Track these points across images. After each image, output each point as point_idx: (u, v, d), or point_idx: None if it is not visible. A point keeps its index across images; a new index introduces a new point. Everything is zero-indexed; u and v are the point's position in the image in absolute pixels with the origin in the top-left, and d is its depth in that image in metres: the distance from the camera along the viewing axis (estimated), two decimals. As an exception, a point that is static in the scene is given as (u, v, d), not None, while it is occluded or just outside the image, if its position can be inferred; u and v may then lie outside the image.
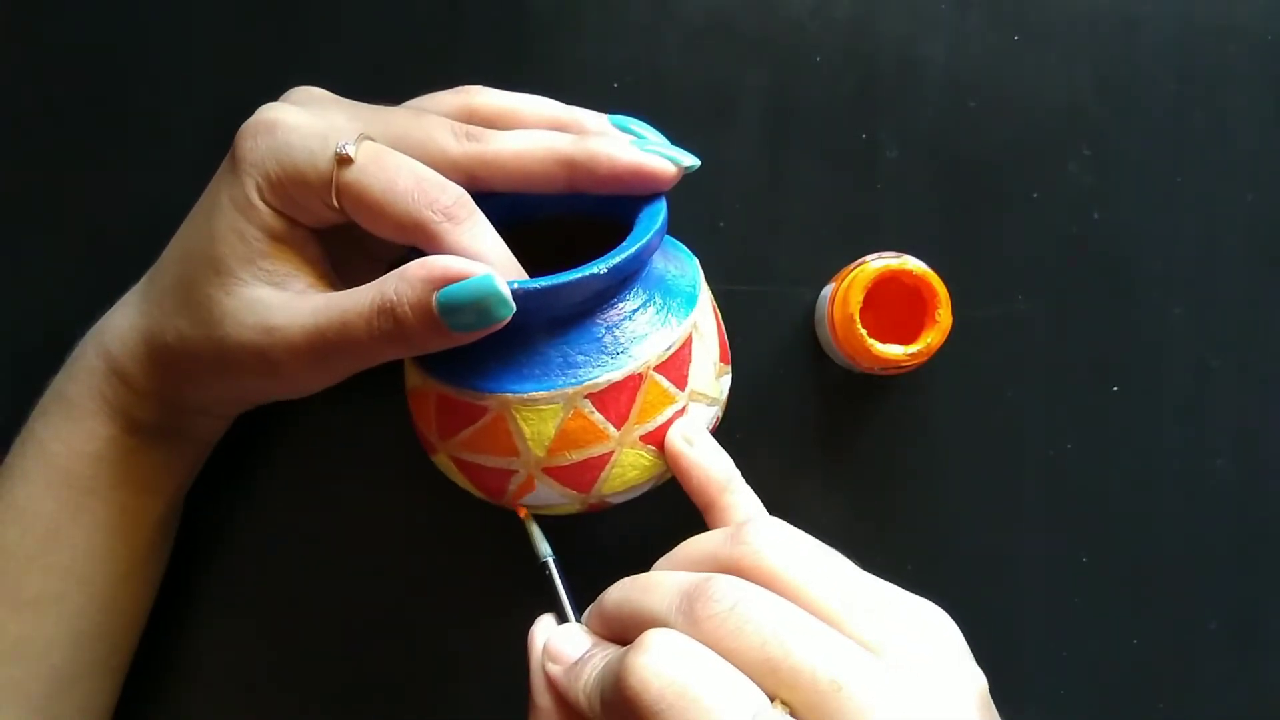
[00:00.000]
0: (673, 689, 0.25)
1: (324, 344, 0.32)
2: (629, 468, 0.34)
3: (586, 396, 0.33)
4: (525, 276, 0.33)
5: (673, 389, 0.34)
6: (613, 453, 0.34)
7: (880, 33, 0.43)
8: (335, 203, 0.32)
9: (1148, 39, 0.43)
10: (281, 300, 0.33)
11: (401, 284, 0.31)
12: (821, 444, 0.42)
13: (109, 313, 0.37)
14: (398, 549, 0.42)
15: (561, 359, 0.33)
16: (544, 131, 0.34)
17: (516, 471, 0.34)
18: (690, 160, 0.35)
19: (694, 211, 0.42)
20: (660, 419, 0.34)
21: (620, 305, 0.34)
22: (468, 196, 0.32)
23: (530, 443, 0.33)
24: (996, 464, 0.42)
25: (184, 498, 0.40)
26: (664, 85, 0.43)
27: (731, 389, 0.38)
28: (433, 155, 0.33)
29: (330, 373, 0.34)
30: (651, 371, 0.33)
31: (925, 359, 0.38)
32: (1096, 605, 0.42)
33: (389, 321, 0.31)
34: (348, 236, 0.35)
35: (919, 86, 0.43)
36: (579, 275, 0.31)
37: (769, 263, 0.43)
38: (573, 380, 0.33)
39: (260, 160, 0.33)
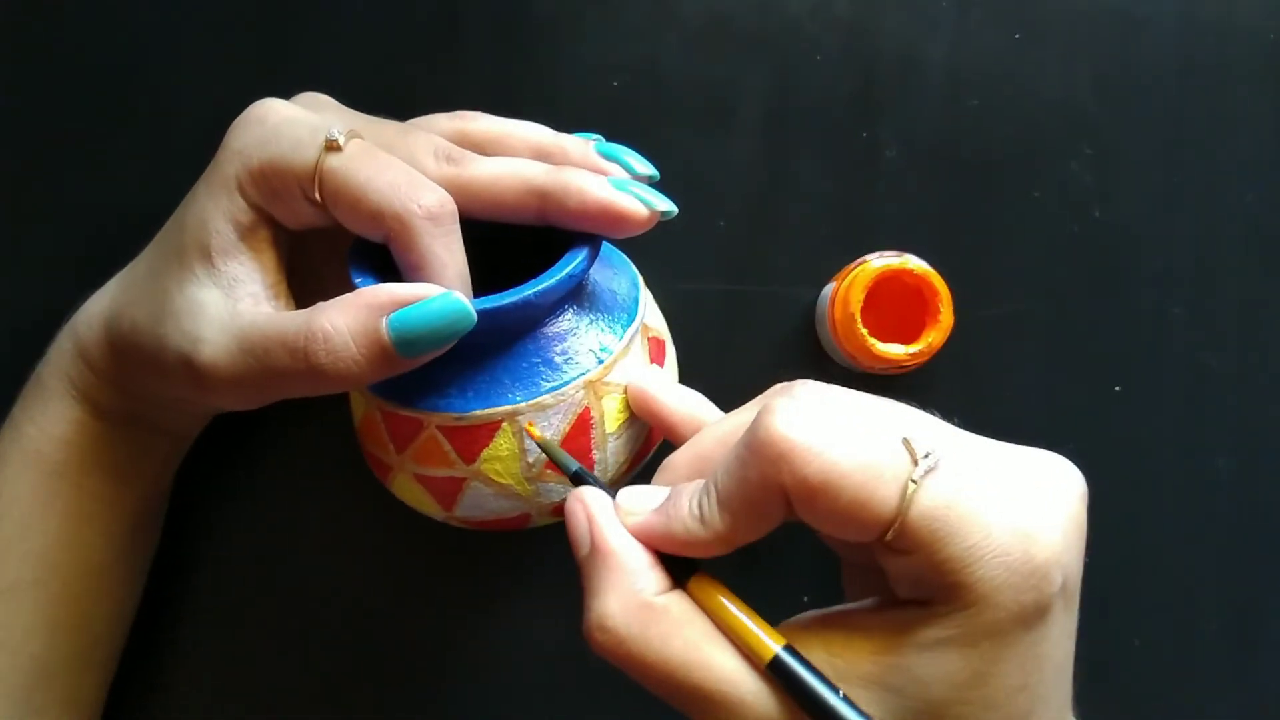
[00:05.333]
0: (816, 425, 0.25)
1: (245, 368, 0.31)
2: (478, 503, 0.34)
3: (437, 427, 0.33)
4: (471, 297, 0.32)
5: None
6: (465, 479, 0.33)
7: (880, 32, 0.43)
8: (316, 194, 0.31)
9: (1148, 39, 0.43)
10: (218, 312, 0.32)
11: (338, 313, 0.30)
12: (822, 444, 0.42)
13: (90, 298, 0.37)
14: (395, 546, 0.42)
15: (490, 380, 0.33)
16: (522, 160, 0.33)
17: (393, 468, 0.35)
18: (666, 206, 0.33)
19: (694, 212, 0.42)
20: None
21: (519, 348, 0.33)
22: (453, 205, 0.31)
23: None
24: (997, 464, 0.42)
25: (166, 493, 0.40)
26: (664, 85, 0.43)
27: (732, 389, 0.38)
28: None
29: (255, 397, 0.32)
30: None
31: (926, 358, 0.38)
32: (1096, 605, 0.42)
33: (319, 351, 0.30)
34: (327, 239, 0.35)
35: (919, 86, 0.43)
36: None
37: (769, 263, 0.42)
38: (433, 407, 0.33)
39: (244, 148, 0.32)
